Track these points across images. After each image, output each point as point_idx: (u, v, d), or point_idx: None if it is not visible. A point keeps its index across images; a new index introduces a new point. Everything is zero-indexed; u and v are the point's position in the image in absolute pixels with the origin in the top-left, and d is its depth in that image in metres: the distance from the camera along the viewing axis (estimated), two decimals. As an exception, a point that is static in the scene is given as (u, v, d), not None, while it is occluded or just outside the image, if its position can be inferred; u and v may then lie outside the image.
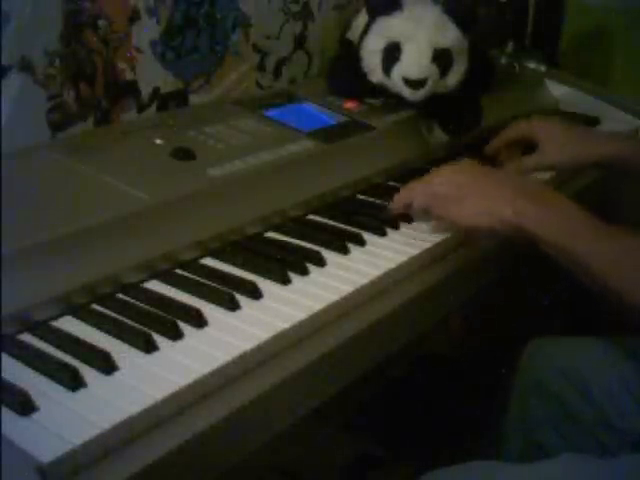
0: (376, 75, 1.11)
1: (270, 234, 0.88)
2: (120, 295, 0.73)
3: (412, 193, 0.91)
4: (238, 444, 0.64)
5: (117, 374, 0.61)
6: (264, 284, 0.75)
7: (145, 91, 1.03)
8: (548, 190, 0.89)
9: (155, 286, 0.75)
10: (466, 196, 0.86)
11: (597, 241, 0.79)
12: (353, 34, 1.18)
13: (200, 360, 0.63)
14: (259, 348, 0.66)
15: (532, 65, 1.52)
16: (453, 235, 0.90)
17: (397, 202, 0.92)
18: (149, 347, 0.64)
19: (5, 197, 0.71)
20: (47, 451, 0.52)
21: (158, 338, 0.65)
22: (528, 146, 1.11)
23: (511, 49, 1.52)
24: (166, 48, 1.04)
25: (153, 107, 1.04)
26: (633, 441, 0.89)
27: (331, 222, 0.92)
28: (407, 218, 0.93)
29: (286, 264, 0.79)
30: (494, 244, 0.94)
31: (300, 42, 1.26)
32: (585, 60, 1.62)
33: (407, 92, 1.08)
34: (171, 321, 0.68)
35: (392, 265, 0.82)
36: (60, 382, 0.59)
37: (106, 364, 0.61)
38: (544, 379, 1.01)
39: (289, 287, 0.76)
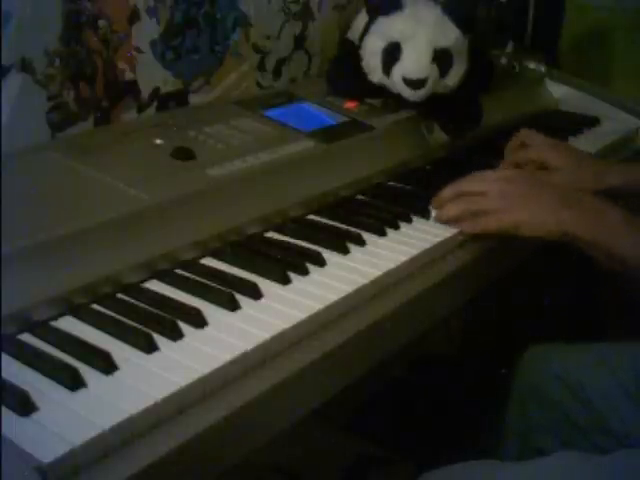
0: (376, 75, 1.11)
1: (270, 234, 0.88)
2: (120, 295, 0.73)
3: (456, 216, 0.92)
4: (238, 444, 0.64)
5: (117, 374, 0.61)
6: (264, 284, 0.75)
7: (145, 91, 1.03)
8: (587, 194, 0.92)
9: (155, 286, 0.75)
10: (511, 204, 0.89)
11: (635, 239, 0.83)
12: (353, 34, 1.18)
13: (200, 360, 0.63)
14: (259, 348, 0.66)
15: (532, 65, 1.52)
16: (453, 235, 0.91)
17: (443, 213, 0.93)
18: (149, 347, 0.64)
19: (5, 197, 0.71)
20: (47, 451, 0.52)
21: (158, 338, 0.65)
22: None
23: (511, 49, 1.52)
24: (166, 48, 1.04)
25: (153, 107, 1.04)
26: (632, 445, 0.89)
27: (331, 222, 0.92)
28: (407, 218, 0.93)
29: (286, 264, 0.79)
30: (494, 244, 0.94)
31: (300, 42, 1.26)
32: (585, 60, 1.62)
33: (407, 92, 1.08)
34: (171, 321, 0.68)
35: (392, 265, 0.82)
36: (60, 382, 0.59)
37: (106, 364, 0.61)
38: (542, 384, 1.01)
39: (289, 287, 0.76)
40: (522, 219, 0.88)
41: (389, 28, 1.08)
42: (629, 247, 0.83)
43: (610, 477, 0.76)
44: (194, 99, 1.10)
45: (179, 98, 1.08)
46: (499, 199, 0.90)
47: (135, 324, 0.68)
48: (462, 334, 1.66)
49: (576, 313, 1.54)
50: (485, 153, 1.18)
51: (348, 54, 1.17)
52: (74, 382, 0.59)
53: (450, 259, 0.89)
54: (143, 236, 0.77)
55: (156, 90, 1.04)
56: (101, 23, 0.95)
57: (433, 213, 0.94)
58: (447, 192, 0.94)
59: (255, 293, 0.74)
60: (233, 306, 0.71)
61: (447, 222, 0.92)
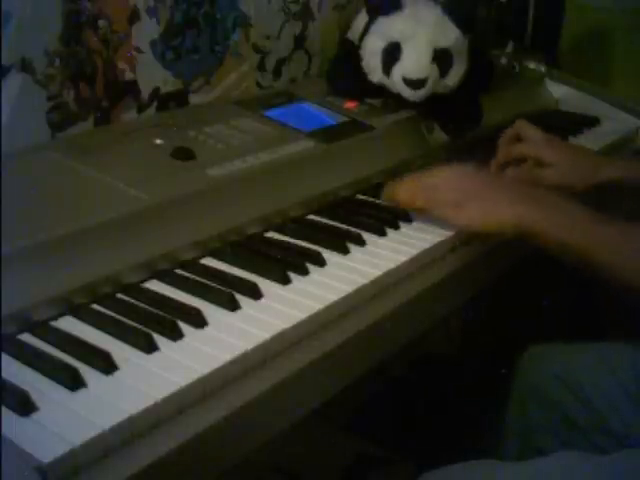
0: (376, 75, 1.11)
1: (270, 234, 0.88)
2: (120, 295, 0.73)
3: (413, 196, 0.91)
4: (238, 444, 0.64)
5: (117, 374, 0.61)
6: (264, 284, 0.75)
7: (145, 91, 1.03)
8: (544, 191, 0.90)
9: (155, 286, 0.75)
10: (467, 201, 0.87)
11: (596, 232, 0.81)
12: (353, 34, 1.18)
13: (200, 360, 0.63)
14: (259, 348, 0.66)
15: (532, 65, 1.52)
16: (453, 235, 0.91)
17: (394, 200, 0.93)
18: (149, 347, 0.64)
19: (5, 197, 0.71)
20: (47, 451, 0.52)
21: (158, 338, 0.65)
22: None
23: (511, 49, 1.52)
24: (166, 48, 1.04)
25: (153, 107, 1.04)
26: (632, 445, 0.89)
27: (331, 222, 0.92)
28: (407, 218, 0.93)
29: (286, 264, 0.79)
30: (494, 245, 0.94)
31: (300, 42, 1.26)
32: (585, 60, 1.62)
33: (407, 92, 1.08)
34: (171, 321, 0.68)
35: (392, 265, 0.82)
36: (60, 382, 0.59)
37: (106, 364, 0.61)
38: (542, 384, 1.01)
39: (289, 287, 0.76)
40: (474, 213, 0.87)
41: (389, 28, 1.08)
42: (590, 242, 0.81)
43: (610, 477, 0.76)
44: (194, 99, 1.10)
45: (179, 98, 1.08)
46: (452, 192, 0.89)
47: (135, 324, 0.68)
48: (462, 334, 1.66)
49: (575, 313, 1.54)
50: (485, 153, 1.18)
51: (348, 54, 1.17)
52: (74, 382, 0.59)
53: (450, 259, 0.89)
54: (143, 236, 0.77)
55: (156, 90, 1.04)
56: (101, 23, 0.95)
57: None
58: (404, 184, 0.93)
59: (255, 293, 0.74)
60: (233, 306, 0.71)
61: (396, 200, 0.92)
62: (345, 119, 1.10)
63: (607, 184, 1.06)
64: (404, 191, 0.92)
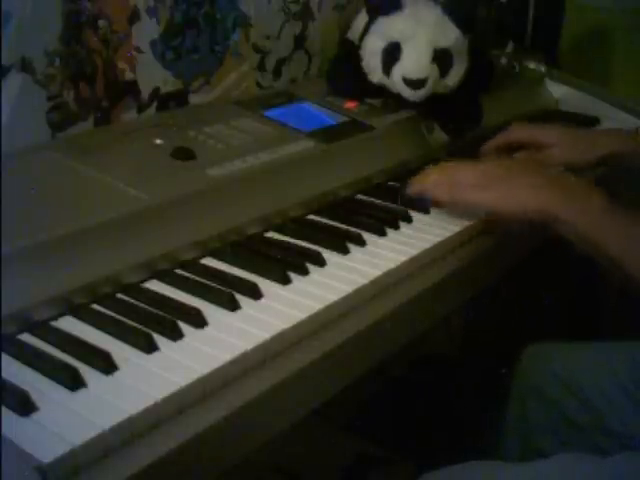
0: (376, 75, 1.11)
1: (270, 234, 0.88)
2: (120, 295, 0.73)
3: (439, 180, 0.93)
4: (238, 444, 0.64)
5: (117, 374, 0.61)
6: (264, 284, 0.75)
7: (145, 91, 1.03)
8: (568, 177, 0.93)
9: (155, 286, 0.75)
10: (491, 182, 0.89)
11: (617, 226, 0.82)
12: (353, 34, 1.18)
13: (200, 360, 0.63)
14: (259, 348, 0.66)
15: (532, 65, 1.52)
16: (453, 235, 0.91)
17: (422, 184, 0.94)
18: (149, 347, 0.64)
19: (5, 197, 0.71)
20: (47, 451, 0.52)
21: (158, 338, 0.65)
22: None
23: (511, 49, 1.52)
24: (166, 48, 1.04)
25: (153, 107, 1.04)
26: (632, 445, 0.89)
27: (331, 222, 0.92)
28: (407, 218, 0.93)
29: (286, 264, 0.79)
30: (494, 245, 0.94)
31: (300, 42, 1.26)
32: (585, 60, 1.62)
33: (407, 92, 1.08)
34: (171, 321, 0.68)
35: (392, 265, 0.82)
36: (60, 382, 0.59)
37: (106, 364, 0.61)
38: (542, 384, 1.02)
39: (289, 287, 0.76)
40: (499, 194, 0.88)
41: (389, 28, 1.08)
42: (606, 232, 0.82)
43: (611, 479, 0.76)
44: (194, 99, 1.10)
45: (179, 98, 1.08)
46: (480, 176, 0.90)
47: (135, 324, 0.68)
48: (462, 334, 1.66)
49: (576, 312, 1.54)
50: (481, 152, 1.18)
51: (348, 54, 1.17)
52: (74, 382, 0.59)
53: (450, 259, 0.89)
54: (143, 236, 0.77)
55: (156, 90, 1.04)
56: (101, 23, 0.95)
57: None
58: (430, 176, 0.95)
59: (255, 293, 0.74)
60: (233, 306, 0.71)
61: (423, 189, 0.93)
62: (345, 119, 1.10)
63: (608, 161, 1.07)
64: (430, 176, 0.94)
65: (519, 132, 1.12)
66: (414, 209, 0.95)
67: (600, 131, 1.21)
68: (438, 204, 0.93)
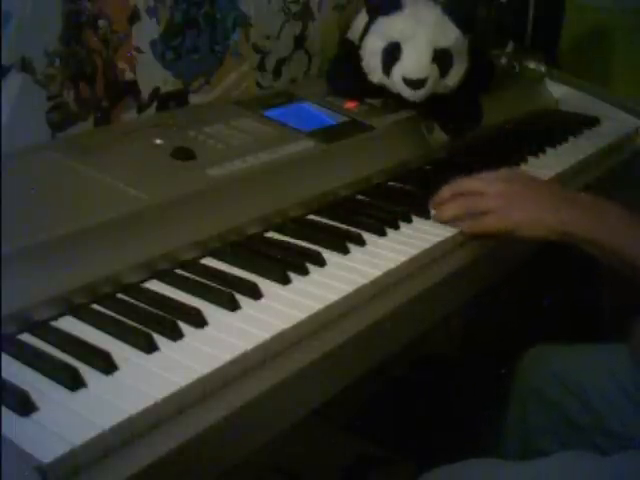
0: (376, 75, 1.11)
1: (270, 234, 0.88)
2: (120, 295, 0.73)
3: (458, 212, 0.92)
4: (238, 444, 0.64)
5: (117, 374, 0.61)
6: (264, 284, 0.75)
7: (145, 91, 1.03)
8: (585, 194, 0.93)
9: (155, 286, 0.75)
10: (510, 206, 0.89)
11: (635, 235, 0.83)
12: (353, 34, 1.18)
13: (200, 360, 0.63)
14: (259, 348, 0.66)
15: (532, 65, 1.51)
16: (453, 235, 0.91)
17: (442, 212, 0.93)
18: (149, 347, 0.64)
19: (5, 197, 0.71)
20: (47, 451, 0.52)
21: (158, 338, 0.65)
22: None
23: (511, 49, 1.52)
24: (166, 48, 1.04)
25: (153, 107, 1.04)
26: (632, 446, 0.89)
27: (331, 222, 0.92)
28: (407, 218, 0.93)
29: (286, 264, 0.79)
30: (494, 245, 0.94)
31: (300, 42, 1.26)
32: (585, 60, 1.62)
33: (407, 92, 1.08)
34: (171, 321, 0.68)
35: (392, 265, 0.82)
36: (60, 382, 0.59)
37: (106, 364, 0.61)
38: (543, 386, 1.02)
39: (289, 287, 0.76)
40: (521, 219, 0.88)
41: (389, 28, 1.08)
42: (631, 244, 0.83)
43: (611, 478, 0.76)
44: (194, 99, 1.10)
45: (179, 98, 1.08)
46: (498, 199, 0.90)
47: (135, 324, 0.68)
48: (462, 334, 1.66)
49: (576, 313, 1.53)
50: (485, 153, 1.18)
51: (348, 54, 1.17)
52: (74, 382, 0.59)
53: (450, 259, 0.89)
54: (143, 236, 0.76)
55: (156, 90, 1.04)
56: (101, 23, 0.95)
57: (432, 212, 0.94)
58: (446, 191, 0.94)
59: (255, 293, 0.74)
60: (233, 306, 0.71)
61: (445, 222, 0.92)
62: (345, 119, 1.10)
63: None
64: (448, 211, 0.93)
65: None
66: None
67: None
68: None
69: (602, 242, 0.85)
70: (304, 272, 0.78)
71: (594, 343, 1.04)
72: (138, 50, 1.00)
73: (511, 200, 0.90)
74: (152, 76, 1.03)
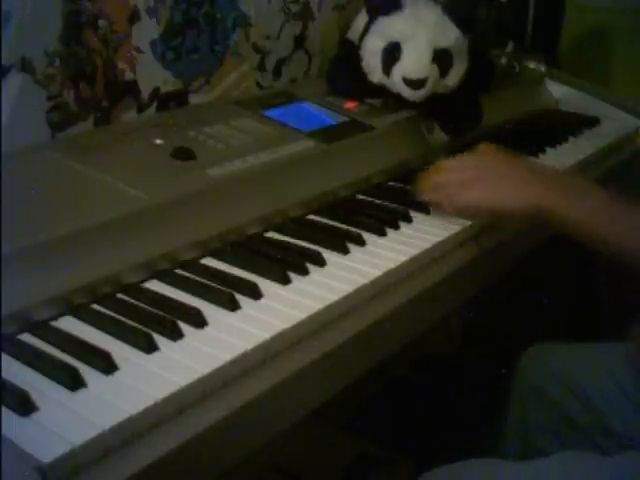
0: (376, 75, 1.11)
1: (270, 234, 0.88)
2: (120, 295, 0.73)
3: (432, 189, 0.93)
4: (238, 444, 0.64)
5: (117, 374, 0.61)
6: (264, 284, 0.75)
7: (145, 91, 1.03)
8: (565, 174, 0.92)
9: (155, 286, 0.75)
10: (485, 179, 0.89)
11: (613, 214, 0.83)
12: (353, 34, 1.18)
13: (200, 360, 0.63)
14: (259, 348, 0.66)
15: (532, 65, 1.52)
16: (453, 235, 0.91)
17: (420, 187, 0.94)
18: (149, 347, 0.64)
19: (5, 197, 0.71)
20: (47, 451, 0.52)
21: (158, 338, 0.65)
22: None
23: (511, 49, 1.52)
24: (166, 48, 1.04)
25: (153, 107, 1.04)
26: (632, 445, 0.89)
27: (331, 222, 0.92)
28: (407, 218, 0.93)
29: (286, 264, 0.79)
30: (493, 245, 0.94)
31: (300, 42, 1.26)
32: (585, 60, 1.62)
33: (407, 92, 1.08)
34: (171, 321, 0.68)
35: (392, 265, 0.82)
36: (60, 382, 0.59)
37: (106, 364, 0.61)
38: (542, 385, 1.02)
39: (289, 287, 0.76)
40: (497, 192, 0.88)
41: (389, 28, 1.08)
42: (606, 223, 0.83)
43: (612, 479, 0.76)
44: (194, 99, 1.10)
45: (179, 98, 1.08)
46: (474, 172, 0.90)
47: (135, 324, 0.68)
48: (462, 334, 1.66)
49: (576, 313, 1.53)
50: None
51: (348, 54, 1.17)
52: (74, 382, 0.59)
53: (450, 259, 0.89)
54: (143, 236, 0.76)
55: (156, 90, 1.04)
56: (101, 23, 0.95)
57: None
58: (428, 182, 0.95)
59: (255, 293, 0.74)
60: (233, 306, 0.71)
61: (423, 197, 0.93)
62: (345, 119, 1.10)
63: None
64: (427, 181, 0.94)
65: None
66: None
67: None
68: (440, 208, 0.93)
69: (577, 219, 0.84)
70: (304, 272, 0.78)
71: (593, 342, 1.04)
72: (138, 50, 1.00)
73: (486, 172, 0.90)
74: (152, 76, 1.03)
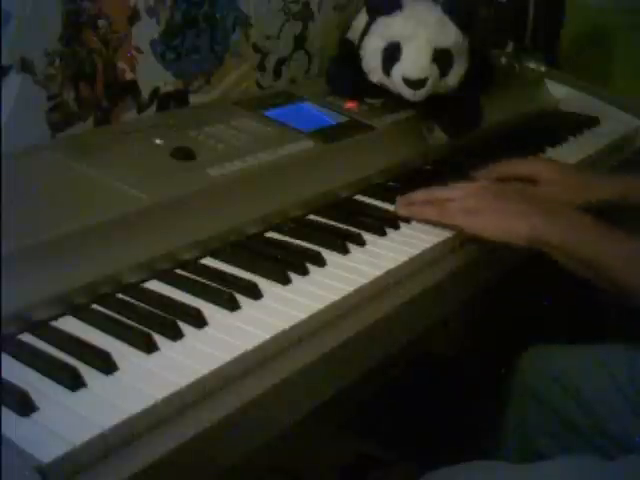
0: (376, 75, 1.11)
1: (270, 234, 0.88)
2: (120, 295, 0.73)
3: (425, 207, 0.92)
4: (238, 444, 0.64)
5: (117, 374, 0.61)
6: (264, 284, 0.75)
7: (145, 91, 1.03)
8: (559, 205, 0.91)
9: (155, 286, 0.75)
10: (480, 208, 0.88)
11: (611, 245, 0.82)
12: (353, 34, 1.18)
13: (200, 360, 0.63)
14: (259, 348, 0.66)
15: (532, 65, 1.52)
16: (453, 235, 0.90)
17: (404, 214, 0.93)
18: (149, 347, 0.64)
19: (5, 197, 0.71)
20: (47, 451, 0.52)
21: (158, 338, 0.65)
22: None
23: (511, 49, 1.52)
24: (166, 48, 1.04)
25: (153, 107, 1.04)
26: (630, 447, 0.89)
27: (331, 222, 0.92)
28: (407, 218, 0.93)
29: (286, 264, 0.79)
30: (494, 245, 0.94)
31: (300, 42, 1.26)
32: (585, 60, 1.62)
33: (407, 92, 1.08)
34: (171, 321, 0.68)
35: (392, 265, 0.82)
36: (60, 382, 0.59)
37: (106, 364, 0.61)
38: (541, 387, 1.01)
39: (289, 287, 0.76)
40: (490, 223, 0.87)
41: (389, 28, 1.08)
42: (601, 253, 0.82)
43: None
44: (194, 99, 1.10)
45: (179, 98, 1.08)
46: (468, 200, 0.90)
47: (135, 324, 0.68)
48: (462, 334, 1.66)
49: (576, 314, 1.53)
50: (485, 153, 1.18)
51: (348, 54, 1.17)
52: (74, 382, 0.59)
53: (450, 259, 0.89)
54: (143, 236, 0.76)
55: (156, 90, 1.04)
56: (101, 23, 0.95)
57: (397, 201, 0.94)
58: (418, 195, 0.94)
59: (255, 293, 0.74)
60: (233, 306, 0.71)
61: (409, 213, 0.92)
62: (345, 119, 1.10)
63: (604, 204, 1.05)
64: (418, 196, 0.93)
65: (520, 165, 1.07)
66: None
67: (599, 177, 1.16)
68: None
69: (572, 250, 0.83)
70: (304, 272, 0.78)
71: (593, 344, 1.04)
72: (138, 50, 1.00)
73: (479, 202, 0.89)
74: (152, 76, 1.03)
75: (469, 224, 0.88)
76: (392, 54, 1.07)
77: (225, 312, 0.71)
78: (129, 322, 0.68)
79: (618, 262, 0.81)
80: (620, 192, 1.04)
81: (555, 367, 1.02)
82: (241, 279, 0.77)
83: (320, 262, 0.80)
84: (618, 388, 0.95)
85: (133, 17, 0.99)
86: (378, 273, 0.80)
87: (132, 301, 0.72)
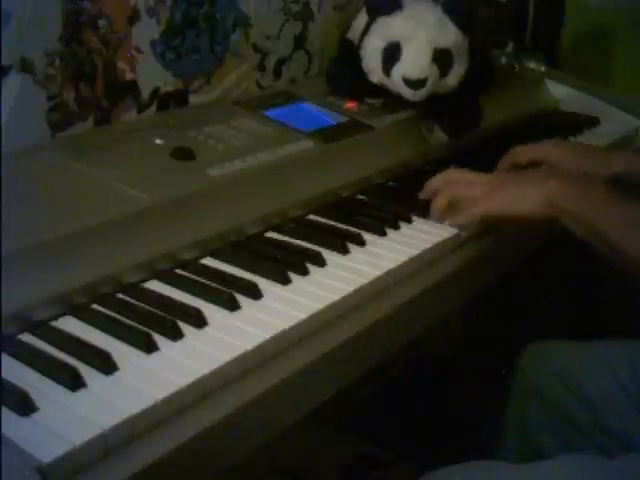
0: (376, 75, 1.11)
1: (270, 234, 0.88)
2: (120, 295, 0.73)
3: (442, 209, 0.93)
4: (238, 444, 0.64)
5: (117, 374, 0.61)
6: (264, 284, 0.75)
7: (145, 91, 1.03)
8: (576, 173, 0.95)
9: (155, 286, 0.75)
10: (496, 191, 0.90)
11: (613, 211, 0.83)
12: (353, 34, 1.18)
13: (200, 360, 0.63)
14: (259, 348, 0.66)
15: (532, 65, 1.52)
16: (453, 235, 0.91)
17: (430, 187, 0.95)
18: (149, 347, 0.64)
19: (5, 197, 0.71)
20: (47, 451, 0.52)
21: (158, 338, 0.65)
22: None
23: (511, 49, 1.52)
24: (166, 48, 1.04)
25: (153, 107, 1.04)
26: (631, 444, 0.89)
27: (331, 222, 0.92)
28: (407, 218, 0.93)
29: (286, 264, 0.79)
30: (494, 245, 0.94)
31: (300, 42, 1.26)
32: (585, 60, 1.62)
33: (407, 92, 1.08)
34: (171, 321, 0.68)
35: (392, 265, 0.82)
36: (60, 382, 0.59)
37: (106, 364, 0.61)
38: (542, 383, 1.01)
39: (289, 287, 0.76)
40: (507, 198, 0.89)
41: (389, 28, 1.08)
42: (615, 223, 0.83)
43: None
44: (194, 99, 1.10)
45: (179, 98, 1.08)
46: (484, 186, 0.91)
47: (135, 324, 0.68)
48: (462, 334, 1.66)
49: (576, 312, 1.54)
50: (485, 153, 1.18)
51: (348, 54, 1.17)
52: (74, 382, 0.59)
53: (450, 259, 0.89)
54: (143, 236, 0.76)
55: (156, 90, 1.04)
56: (101, 23, 0.95)
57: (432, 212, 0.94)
58: (436, 181, 0.95)
59: (255, 293, 0.74)
60: (233, 306, 0.71)
61: (440, 210, 0.93)
62: (345, 119, 1.10)
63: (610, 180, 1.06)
64: (438, 200, 0.94)
65: (528, 150, 1.08)
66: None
67: (607, 153, 1.18)
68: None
69: (587, 217, 0.84)
70: (304, 272, 0.78)
71: (594, 341, 1.04)
72: (138, 50, 1.00)
73: (496, 186, 0.91)
74: (152, 76, 1.03)
75: (488, 209, 0.90)
76: (392, 54, 1.07)
77: (225, 312, 0.71)
78: (129, 322, 0.68)
79: (618, 229, 0.81)
80: (629, 167, 1.06)
81: (556, 363, 1.02)
82: (241, 279, 0.77)
83: (320, 262, 0.80)
84: (619, 384, 0.95)
85: (133, 17, 0.99)
86: (378, 273, 0.80)
87: (132, 301, 0.72)
